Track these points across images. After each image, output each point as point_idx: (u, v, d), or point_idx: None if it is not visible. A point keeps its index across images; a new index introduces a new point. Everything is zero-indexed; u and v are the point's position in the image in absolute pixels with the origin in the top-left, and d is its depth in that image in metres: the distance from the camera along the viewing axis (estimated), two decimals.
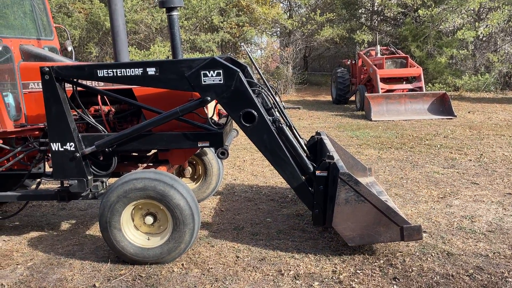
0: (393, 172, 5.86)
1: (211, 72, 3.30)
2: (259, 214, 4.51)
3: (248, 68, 3.98)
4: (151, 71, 3.36)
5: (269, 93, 3.82)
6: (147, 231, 3.44)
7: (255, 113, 3.35)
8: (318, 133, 4.42)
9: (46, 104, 3.46)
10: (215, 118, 4.04)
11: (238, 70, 3.34)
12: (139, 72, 3.38)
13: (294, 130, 3.84)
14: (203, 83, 3.33)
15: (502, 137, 7.91)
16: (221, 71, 3.30)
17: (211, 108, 3.93)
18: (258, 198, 5.03)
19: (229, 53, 17.48)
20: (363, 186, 3.25)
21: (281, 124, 3.54)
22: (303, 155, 3.57)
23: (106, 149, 3.57)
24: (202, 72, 3.31)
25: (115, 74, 3.41)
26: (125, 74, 3.39)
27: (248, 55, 4.27)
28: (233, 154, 7.26)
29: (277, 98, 3.87)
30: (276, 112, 3.78)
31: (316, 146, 4.26)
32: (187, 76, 3.33)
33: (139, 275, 3.29)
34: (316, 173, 3.44)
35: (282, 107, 3.88)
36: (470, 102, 12.81)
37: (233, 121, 4.29)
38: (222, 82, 3.31)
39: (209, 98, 3.36)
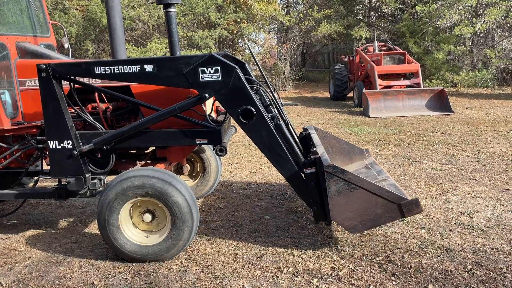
0: (392, 168, 5.86)
1: (209, 69, 3.29)
2: (258, 211, 4.51)
3: (246, 64, 3.97)
4: (148, 68, 3.34)
5: (268, 90, 3.81)
6: (146, 228, 3.43)
7: (254, 110, 3.34)
8: (305, 129, 4.40)
9: (43, 101, 3.44)
10: (213, 115, 4.02)
11: (236, 66, 3.32)
12: (136, 69, 3.36)
13: (291, 128, 3.83)
14: (201, 80, 3.31)
15: (499, 133, 7.92)
16: (219, 68, 3.28)
17: (209, 105, 3.92)
18: (257, 195, 5.03)
19: (226, 50, 17.44)
20: (350, 174, 3.24)
21: (279, 121, 3.53)
22: (299, 152, 3.56)
23: (104, 147, 3.56)
24: (200, 69, 3.29)
25: (112, 71, 3.39)
26: (123, 71, 3.38)
27: (249, 49, 4.26)
28: (231, 151, 7.25)
29: (276, 95, 3.86)
30: (275, 109, 3.77)
31: (306, 142, 4.24)
32: (184, 73, 3.31)
33: (138, 272, 3.28)
34: (305, 171, 3.43)
35: (280, 104, 3.87)
36: (467, 98, 12.82)
37: (231, 118, 4.28)
38: (220, 79, 3.30)
39: (207, 95, 3.35)
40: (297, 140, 3.84)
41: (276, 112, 3.71)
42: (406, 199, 3.20)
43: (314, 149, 3.54)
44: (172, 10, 3.57)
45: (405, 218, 4.06)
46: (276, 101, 3.79)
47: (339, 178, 3.22)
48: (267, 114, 3.45)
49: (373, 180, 3.77)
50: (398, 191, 3.37)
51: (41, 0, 4.57)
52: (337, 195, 3.25)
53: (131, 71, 3.37)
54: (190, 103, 3.44)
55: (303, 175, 3.51)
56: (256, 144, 3.48)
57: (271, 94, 3.80)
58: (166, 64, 3.35)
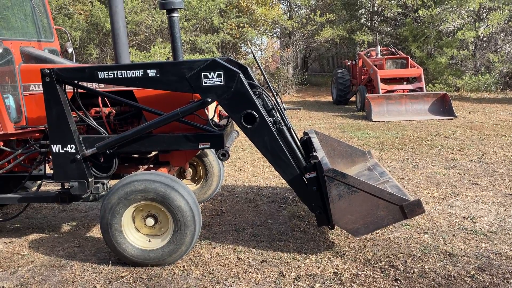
0: (394, 173, 5.85)
1: (212, 73, 3.30)
2: (260, 216, 4.51)
3: (249, 69, 3.98)
4: (151, 72, 3.36)
5: (270, 94, 3.81)
6: (148, 233, 3.44)
7: (256, 115, 3.34)
8: (305, 133, 4.40)
9: (46, 106, 3.46)
10: (216, 119, 4.03)
11: (239, 71, 3.34)
12: (139, 74, 3.38)
13: (293, 132, 3.84)
14: (203, 84, 3.32)
15: (503, 137, 7.90)
16: (221, 72, 3.30)
17: (212, 110, 3.93)
18: (259, 199, 5.03)
19: (229, 54, 17.48)
20: (351, 177, 3.23)
21: (282, 126, 3.54)
22: (301, 157, 3.57)
23: (107, 151, 3.57)
24: (202, 73, 3.31)
25: (115, 76, 3.41)
26: (126, 75, 3.39)
27: (252, 54, 4.27)
28: (234, 155, 7.25)
29: (278, 100, 3.86)
30: (277, 114, 3.78)
31: (307, 146, 4.24)
32: (187, 77, 3.32)
33: (140, 277, 3.28)
34: (306, 175, 3.43)
35: (283, 108, 3.88)
36: (470, 103, 12.80)
37: (233, 122, 4.29)
38: (222, 83, 3.31)
39: (209, 100, 3.36)
40: (299, 144, 3.84)
41: (279, 116, 3.72)
42: (408, 200, 3.18)
43: (314, 153, 3.54)
44: (175, 15, 3.59)
45: (408, 223, 4.05)
46: (279, 106, 3.80)
47: (340, 182, 3.22)
48: (269, 118, 3.46)
49: (376, 181, 3.76)
50: (400, 193, 3.35)
51: (45, 5, 4.60)
52: (339, 199, 3.25)
53: (134, 75, 3.39)
54: (192, 108, 3.45)
55: (305, 179, 3.52)
56: (259, 149, 3.48)
57: (273, 99, 3.81)
58: (169, 68, 3.37)
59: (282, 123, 3.58)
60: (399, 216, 3.22)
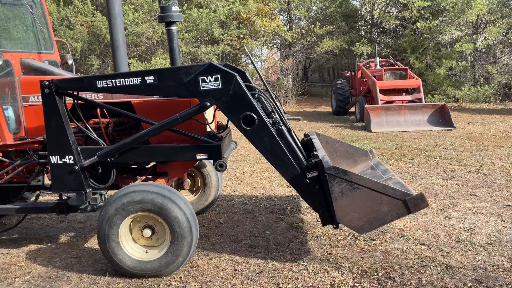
0: None
1: (209, 77, 3.32)
2: (258, 227, 4.51)
3: (247, 73, 3.99)
4: (149, 79, 3.38)
5: (269, 98, 3.82)
6: (145, 244, 3.44)
7: (255, 116, 3.35)
8: (306, 135, 4.40)
9: (45, 117, 3.49)
10: (214, 129, 4.05)
11: (236, 74, 3.36)
12: (137, 81, 3.40)
13: (293, 133, 3.83)
14: (201, 88, 3.34)
15: (501, 148, 7.91)
16: (219, 76, 3.32)
17: (210, 116, 3.94)
18: (257, 210, 5.03)
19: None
20: (352, 174, 3.22)
21: (281, 127, 3.54)
22: (302, 157, 3.56)
23: (108, 159, 3.57)
24: (200, 77, 3.33)
25: (114, 84, 3.43)
26: (124, 83, 3.41)
27: (251, 60, 4.30)
28: (233, 165, 7.26)
29: (277, 102, 3.87)
30: (276, 115, 3.78)
31: (308, 147, 4.23)
32: (185, 82, 3.34)
33: None
34: (308, 175, 3.43)
35: (282, 111, 3.88)
36: (469, 113, 12.83)
37: (231, 134, 4.31)
38: (220, 86, 3.33)
39: (208, 103, 3.37)
40: (299, 145, 3.84)
41: (278, 117, 3.72)
42: (411, 195, 3.14)
43: (315, 152, 3.54)
44: (174, 28, 3.64)
45: (405, 234, 4.05)
46: (278, 108, 3.81)
47: (341, 179, 3.19)
48: (268, 119, 3.46)
49: (379, 179, 3.74)
50: (403, 188, 3.31)
51: (45, 16, 4.65)
52: (341, 196, 3.22)
53: (132, 83, 3.40)
54: (191, 112, 3.47)
55: (307, 179, 3.50)
56: (259, 150, 3.47)
57: (272, 101, 3.81)
58: (166, 74, 3.39)
59: (282, 124, 3.58)
60: (403, 211, 3.18)
